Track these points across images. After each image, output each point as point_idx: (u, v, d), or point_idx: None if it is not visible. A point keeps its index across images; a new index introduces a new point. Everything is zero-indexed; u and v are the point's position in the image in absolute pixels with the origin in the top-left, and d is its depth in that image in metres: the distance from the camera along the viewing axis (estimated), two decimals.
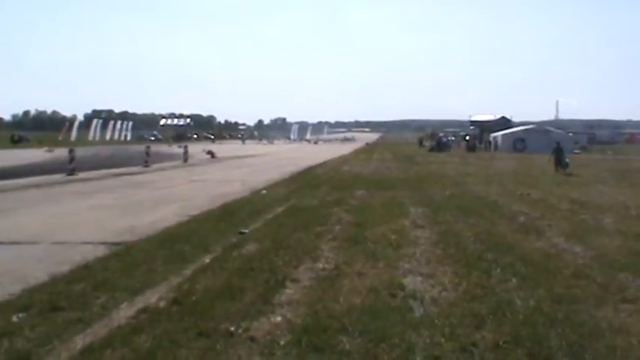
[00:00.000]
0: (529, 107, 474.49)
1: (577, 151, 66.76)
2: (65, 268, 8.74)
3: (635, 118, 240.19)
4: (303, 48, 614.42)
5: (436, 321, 6.38)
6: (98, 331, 6.11)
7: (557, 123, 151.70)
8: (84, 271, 8.73)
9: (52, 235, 11.93)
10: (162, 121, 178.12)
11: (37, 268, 8.82)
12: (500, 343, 5.75)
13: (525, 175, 30.48)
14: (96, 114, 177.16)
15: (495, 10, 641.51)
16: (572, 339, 5.84)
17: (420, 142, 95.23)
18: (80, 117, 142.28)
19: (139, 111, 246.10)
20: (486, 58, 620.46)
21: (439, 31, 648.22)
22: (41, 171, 31.09)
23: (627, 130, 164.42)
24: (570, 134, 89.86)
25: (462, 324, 6.30)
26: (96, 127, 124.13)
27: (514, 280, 8.18)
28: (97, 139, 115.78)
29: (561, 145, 36.51)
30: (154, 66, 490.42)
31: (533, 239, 11.64)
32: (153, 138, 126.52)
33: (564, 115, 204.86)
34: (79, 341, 5.81)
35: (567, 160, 34.35)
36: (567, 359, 5.42)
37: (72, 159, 30.23)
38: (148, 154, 38.17)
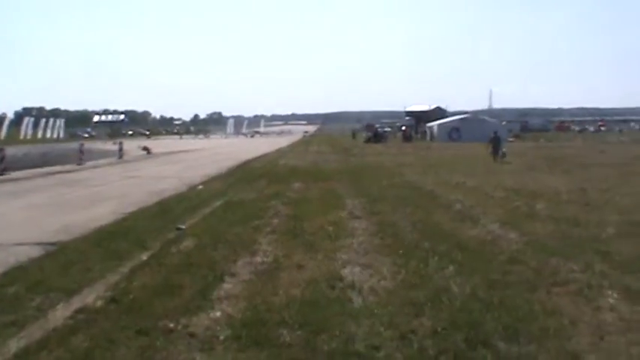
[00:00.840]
0: (463, 96, 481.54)
1: (511, 139, 67.85)
2: None
3: (565, 106, 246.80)
4: (236, 41, 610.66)
5: (375, 310, 6.45)
6: (33, 333, 6.00)
7: (491, 112, 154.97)
8: (17, 272, 8.55)
9: None
10: (96, 118, 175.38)
11: None
12: (439, 329, 5.85)
13: (460, 164, 30.85)
14: (27, 111, 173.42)
15: (429, 2, 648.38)
16: (507, 322, 5.98)
17: (353, 135, 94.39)
18: (10, 115, 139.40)
19: (72, 107, 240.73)
20: (420, 48, 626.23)
21: (372, 22, 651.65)
22: None
23: (558, 118, 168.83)
24: (504, 123, 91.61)
25: (400, 312, 6.38)
26: (27, 125, 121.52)
27: (451, 267, 8.31)
28: (28, 137, 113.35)
29: (499, 134, 36.72)
30: (86, 61, 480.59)
31: (468, 227, 11.84)
32: (87, 135, 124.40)
33: (498, 104, 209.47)
34: (14, 344, 5.69)
35: (504, 149, 34.49)
36: (503, 342, 5.54)
37: (2, 158, 29.54)
38: (81, 151, 37.65)
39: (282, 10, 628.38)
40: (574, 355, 5.36)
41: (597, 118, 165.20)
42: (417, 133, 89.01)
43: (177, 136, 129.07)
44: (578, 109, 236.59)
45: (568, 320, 6.13)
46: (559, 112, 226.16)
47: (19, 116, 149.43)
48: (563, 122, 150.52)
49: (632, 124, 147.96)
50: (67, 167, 33.66)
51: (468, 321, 6.03)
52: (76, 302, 6.99)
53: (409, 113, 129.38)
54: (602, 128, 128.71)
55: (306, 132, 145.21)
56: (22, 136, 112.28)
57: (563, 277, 7.82)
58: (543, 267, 8.39)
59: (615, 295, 6.97)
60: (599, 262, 8.55)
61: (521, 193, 17.20)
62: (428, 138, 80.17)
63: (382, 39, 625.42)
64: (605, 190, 17.71)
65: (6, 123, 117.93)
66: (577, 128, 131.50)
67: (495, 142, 34.73)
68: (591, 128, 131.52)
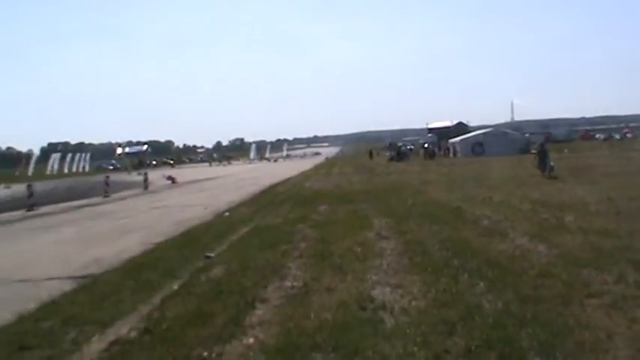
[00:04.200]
0: (485, 110, 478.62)
1: (534, 151, 67.29)
2: (31, 306, 8.61)
3: (587, 115, 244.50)
4: (256, 66, 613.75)
5: (407, 330, 6.41)
6: None
7: (514, 124, 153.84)
8: (51, 307, 8.64)
9: (15, 273, 11.78)
10: (119, 150, 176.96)
11: (1, 308, 8.67)
12: (473, 347, 5.80)
13: (485, 179, 30.66)
14: (52, 147, 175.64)
15: (445, 16, 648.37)
16: (542, 338, 5.90)
17: (370, 154, 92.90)
18: (36, 151, 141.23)
19: (96, 141, 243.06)
20: (439, 64, 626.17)
21: (390, 41, 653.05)
22: None
23: (581, 127, 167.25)
24: (527, 135, 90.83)
25: (433, 331, 6.33)
26: (54, 160, 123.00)
27: (481, 283, 8.25)
28: (55, 172, 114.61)
29: (545, 146, 34.15)
30: (108, 95, 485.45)
31: (497, 242, 11.74)
32: (112, 167, 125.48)
33: (520, 116, 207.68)
34: None
35: (552, 163, 30.88)
36: (539, 358, 5.48)
37: (30, 194, 29.98)
38: (107, 183, 38.07)
39: (300, 35, 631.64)
40: None
41: (622, 125, 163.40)
42: (439, 149, 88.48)
43: (201, 164, 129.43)
44: (602, 117, 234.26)
45: (604, 333, 6.05)
46: (582, 121, 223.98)
47: (45, 152, 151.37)
48: (588, 131, 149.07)
49: None
50: (94, 200, 34.01)
51: (501, 338, 5.97)
52: (111, 334, 7.03)
53: (432, 130, 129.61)
54: (629, 135, 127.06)
55: (310, 154, 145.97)
56: (48, 171, 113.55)
57: (596, 289, 7.72)
58: (575, 279, 8.30)
59: None
60: (633, 272, 8.44)
61: (548, 205, 17.06)
62: (451, 154, 79.72)
63: (401, 57, 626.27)
64: (634, 198, 17.49)
65: (33, 159, 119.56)
66: (602, 136, 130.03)
67: (542, 155, 31.78)
68: (617, 136, 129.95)
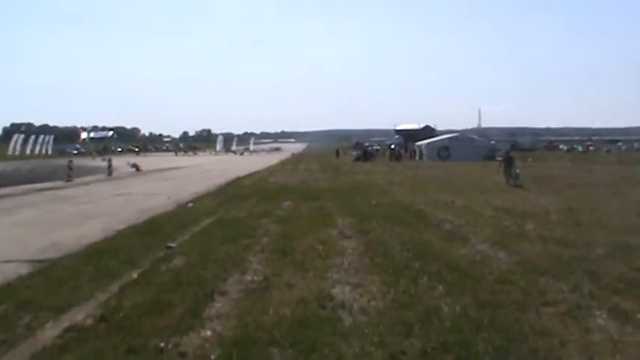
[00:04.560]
0: (452, 116, 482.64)
1: (499, 158, 67.89)
2: None
3: (553, 126, 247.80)
4: (226, 59, 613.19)
5: (366, 330, 6.45)
6: (22, 352, 5.97)
7: (480, 131, 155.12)
8: (6, 290, 8.51)
9: None
10: (84, 135, 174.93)
11: None
12: (429, 350, 5.85)
13: (449, 183, 30.87)
14: (15, 127, 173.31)
15: (416, 19, 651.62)
16: (498, 343, 5.98)
17: (337, 153, 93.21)
18: None
19: (60, 124, 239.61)
20: (409, 66, 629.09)
21: (361, 40, 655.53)
22: None
23: (546, 137, 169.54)
24: (493, 142, 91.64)
25: (391, 332, 6.38)
26: (16, 141, 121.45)
27: (441, 287, 8.32)
28: (17, 153, 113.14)
29: (511, 153, 33.86)
30: (75, 77, 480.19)
31: (458, 246, 11.83)
32: (75, 152, 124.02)
33: (487, 123, 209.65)
34: None
35: (518, 170, 30.62)
36: None
37: None
38: (70, 168, 37.51)
39: (268, 29, 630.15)
40: None
41: (585, 137, 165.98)
42: (406, 151, 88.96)
43: (166, 154, 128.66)
44: (567, 128, 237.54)
45: (558, 341, 6.15)
46: (548, 131, 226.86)
47: (8, 132, 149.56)
48: (552, 142, 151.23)
49: (619, 144, 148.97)
50: (56, 184, 33.52)
51: (458, 341, 6.03)
52: (66, 321, 6.95)
53: (399, 132, 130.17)
54: (591, 148, 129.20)
55: (277, 149, 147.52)
56: (10, 152, 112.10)
57: (552, 298, 7.84)
58: (533, 287, 8.41)
59: (604, 316, 7.01)
60: (588, 282, 8.58)
61: (510, 213, 17.25)
62: (417, 157, 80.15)
63: (372, 58, 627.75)
64: (594, 210, 17.78)
65: None
66: (565, 148, 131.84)
67: (507, 162, 31.06)
68: (580, 148, 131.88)
